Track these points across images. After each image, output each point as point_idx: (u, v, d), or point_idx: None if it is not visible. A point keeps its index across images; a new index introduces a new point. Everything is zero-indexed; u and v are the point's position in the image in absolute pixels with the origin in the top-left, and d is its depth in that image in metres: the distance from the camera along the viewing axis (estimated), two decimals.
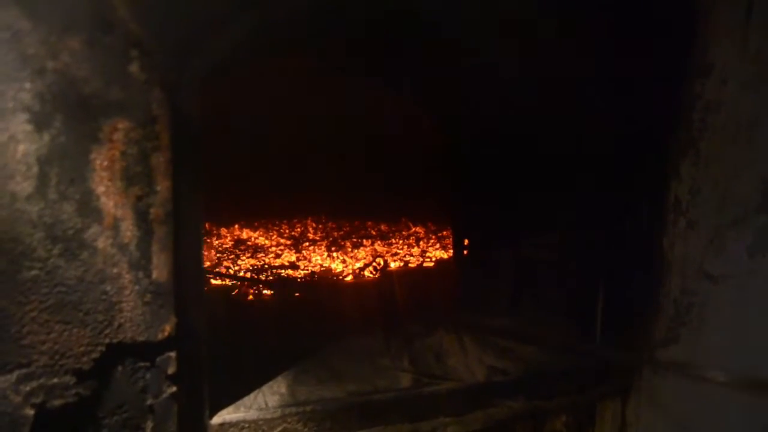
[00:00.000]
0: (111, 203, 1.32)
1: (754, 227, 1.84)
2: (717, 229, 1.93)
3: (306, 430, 1.70)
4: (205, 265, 4.25)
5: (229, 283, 3.67)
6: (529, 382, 2.01)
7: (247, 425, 1.64)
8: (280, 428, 1.67)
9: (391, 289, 3.21)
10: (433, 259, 4.92)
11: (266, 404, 1.73)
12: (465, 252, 3.11)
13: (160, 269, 1.39)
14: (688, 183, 2.01)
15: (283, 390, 1.83)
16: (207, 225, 6.11)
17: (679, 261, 2.04)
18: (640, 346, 2.14)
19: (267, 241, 5.70)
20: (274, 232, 6.14)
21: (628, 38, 2.00)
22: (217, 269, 4.45)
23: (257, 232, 6.10)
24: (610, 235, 2.20)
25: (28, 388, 1.26)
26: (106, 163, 1.30)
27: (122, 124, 1.32)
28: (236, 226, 6.26)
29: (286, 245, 5.52)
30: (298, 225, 6.54)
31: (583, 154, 2.25)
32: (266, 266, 4.67)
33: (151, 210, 1.37)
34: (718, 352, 1.93)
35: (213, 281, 3.66)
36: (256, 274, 4.30)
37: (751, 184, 1.85)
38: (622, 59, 2.02)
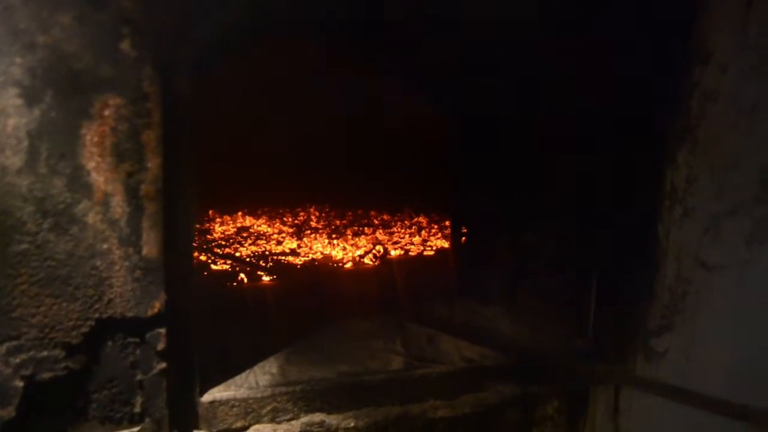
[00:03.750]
0: (101, 179, 1.33)
1: (752, 217, 1.82)
2: (714, 217, 1.91)
3: (296, 409, 1.71)
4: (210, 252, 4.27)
5: (229, 269, 3.68)
6: (521, 368, 2.02)
7: (237, 403, 1.66)
8: (269, 407, 1.68)
9: (390, 275, 3.22)
10: (434, 247, 4.91)
11: (257, 383, 1.74)
12: (463, 240, 3.11)
13: (150, 246, 1.40)
14: (685, 170, 1.99)
15: (275, 370, 1.84)
16: (210, 212, 6.14)
17: (675, 249, 2.02)
18: (634, 333, 2.13)
19: (269, 229, 5.71)
20: (277, 221, 6.14)
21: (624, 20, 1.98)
22: (217, 254, 4.47)
23: (260, 220, 6.11)
24: (604, 223, 2.19)
25: (17, 360, 1.28)
26: (96, 139, 1.31)
27: (113, 101, 1.33)
28: (239, 213, 6.27)
29: (288, 233, 5.52)
30: (301, 213, 6.55)
31: (579, 141, 2.24)
32: (267, 253, 4.67)
33: (142, 187, 1.38)
34: (712, 341, 1.92)
35: (213, 266, 3.67)
36: (256, 260, 4.31)
37: (749, 173, 1.82)
38: (617, 43, 2.00)
